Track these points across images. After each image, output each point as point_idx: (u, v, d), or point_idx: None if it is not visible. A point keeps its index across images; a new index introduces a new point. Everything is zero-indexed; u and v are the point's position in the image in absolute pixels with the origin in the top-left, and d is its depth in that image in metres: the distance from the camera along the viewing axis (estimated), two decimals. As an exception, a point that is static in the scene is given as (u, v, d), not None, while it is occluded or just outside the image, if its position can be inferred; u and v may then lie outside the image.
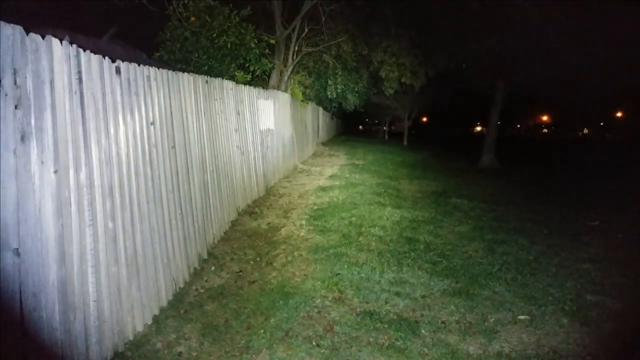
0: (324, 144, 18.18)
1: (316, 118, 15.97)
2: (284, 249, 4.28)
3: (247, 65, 7.09)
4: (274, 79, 9.46)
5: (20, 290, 1.70)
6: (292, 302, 3.07)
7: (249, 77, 7.32)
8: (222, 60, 6.31)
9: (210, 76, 4.73)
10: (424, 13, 11.28)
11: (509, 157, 15.41)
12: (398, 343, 2.57)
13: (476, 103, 22.06)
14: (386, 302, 3.12)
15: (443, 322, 2.84)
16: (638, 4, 8.36)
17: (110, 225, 2.36)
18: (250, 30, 6.54)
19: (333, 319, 2.86)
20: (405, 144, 22.46)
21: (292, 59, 10.23)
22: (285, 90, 9.97)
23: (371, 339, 2.61)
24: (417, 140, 26.76)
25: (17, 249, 1.69)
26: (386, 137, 28.96)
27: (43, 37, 1.84)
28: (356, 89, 13.99)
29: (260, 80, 8.69)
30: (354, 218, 5.36)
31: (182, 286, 3.32)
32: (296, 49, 10.27)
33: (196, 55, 6.03)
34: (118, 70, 2.52)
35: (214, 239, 4.34)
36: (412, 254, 4.14)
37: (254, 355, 2.45)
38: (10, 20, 1.69)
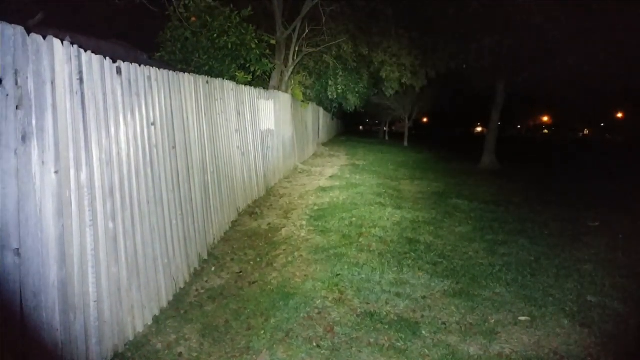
0: (324, 144, 18.18)
1: (317, 118, 15.98)
2: (284, 250, 4.28)
3: (247, 65, 7.09)
4: (274, 80, 9.46)
5: (20, 291, 1.70)
6: (293, 303, 3.07)
7: (250, 77, 7.33)
8: (223, 61, 6.31)
9: (211, 77, 4.73)
10: (424, 13, 11.27)
11: (510, 158, 15.42)
12: (398, 344, 2.57)
13: (476, 103, 22.05)
14: (387, 303, 3.12)
15: (443, 323, 2.84)
16: (638, 4, 8.37)
17: (111, 225, 2.36)
18: (250, 31, 6.54)
19: (333, 319, 2.86)
20: (406, 144, 22.43)
21: (293, 59, 10.23)
22: (286, 91, 9.97)
23: (372, 340, 2.61)
24: (417, 141, 26.75)
25: (18, 249, 1.69)
26: (386, 137, 28.91)
27: (44, 38, 1.84)
28: (357, 90, 13.99)
29: (260, 81, 8.69)
30: (354, 219, 5.36)
31: (182, 286, 3.32)
32: (297, 49, 10.27)
33: (197, 55, 6.03)
34: (119, 71, 2.52)
35: (214, 239, 4.34)
36: (413, 254, 4.14)
37: (254, 356, 2.45)
38: (11, 20, 1.69)
